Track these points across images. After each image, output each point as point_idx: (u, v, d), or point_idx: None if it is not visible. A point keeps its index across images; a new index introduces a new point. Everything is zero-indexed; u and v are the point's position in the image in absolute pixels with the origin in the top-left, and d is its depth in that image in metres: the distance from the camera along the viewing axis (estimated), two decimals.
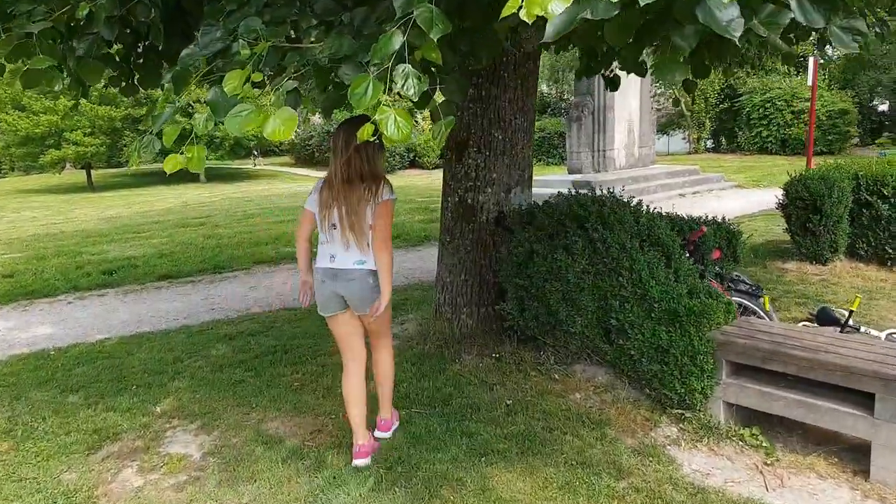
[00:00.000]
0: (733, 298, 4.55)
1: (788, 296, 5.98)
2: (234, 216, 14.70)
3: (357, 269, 3.24)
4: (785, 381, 3.30)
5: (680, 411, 3.56)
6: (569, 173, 14.79)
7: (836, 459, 3.11)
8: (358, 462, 3.30)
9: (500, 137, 4.74)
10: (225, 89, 1.95)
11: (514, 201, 4.83)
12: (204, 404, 4.13)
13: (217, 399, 4.20)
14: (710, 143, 26.62)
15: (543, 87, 30.63)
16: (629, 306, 3.65)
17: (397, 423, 3.67)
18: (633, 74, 3.18)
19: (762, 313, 4.53)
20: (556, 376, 4.11)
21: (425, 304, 5.74)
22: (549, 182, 14.67)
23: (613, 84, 5.14)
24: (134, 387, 4.55)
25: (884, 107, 25.34)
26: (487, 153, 4.74)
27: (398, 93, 1.90)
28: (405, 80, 1.88)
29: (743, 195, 14.12)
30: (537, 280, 4.08)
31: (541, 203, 4.61)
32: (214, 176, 34.50)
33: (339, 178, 3.24)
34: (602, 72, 5.05)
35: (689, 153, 25.80)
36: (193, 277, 8.65)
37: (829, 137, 21.33)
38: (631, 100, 14.54)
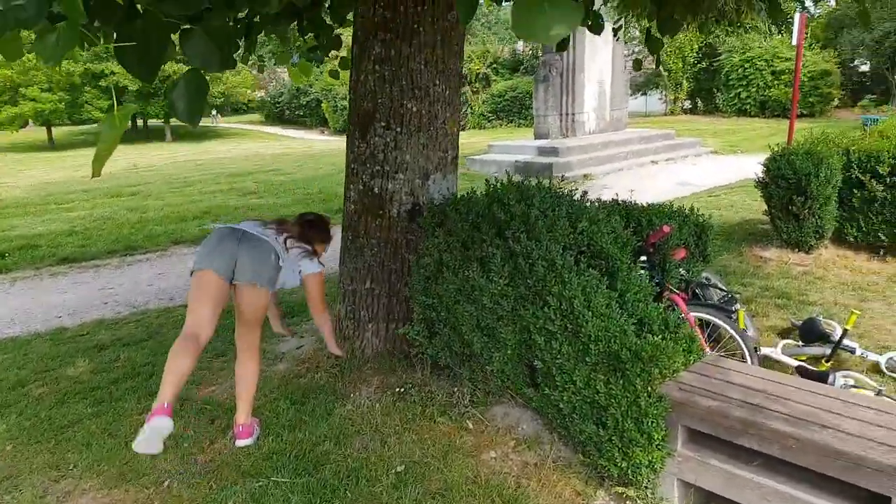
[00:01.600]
0: (698, 314, 3.66)
1: (767, 295, 5.10)
2: (173, 183, 13.52)
3: (266, 238, 3.06)
4: (764, 458, 2.40)
5: (621, 489, 2.67)
6: (535, 138, 13.76)
7: None
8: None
9: (414, 109, 3.71)
10: None
11: (434, 191, 3.83)
12: (10, 462, 3.16)
13: (31, 454, 3.23)
14: (687, 105, 25.61)
15: (520, 44, 29.22)
16: (557, 345, 2.72)
17: (259, 431, 3.26)
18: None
19: (735, 334, 3.62)
20: (470, 423, 3.19)
21: None
22: (512, 148, 13.69)
23: (561, 42, 4.12)
24: None
25: (865, 67, 24.38)
26: (399, 129, 3.72)
27: None
28: None
29: (720, 162, 13.23)
30: (447, 300, 3.13)
31: (499, 177, 3.57)
32: (182, 134, 33.02)
33: None
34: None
35: (666, 114, 24.84)
36: (99, 261, 7.60)
37: (811, 100, 20.41)
38: (602, 59, 13.44)
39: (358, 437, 3.17)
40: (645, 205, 4.21)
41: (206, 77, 1.45)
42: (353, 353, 3.88)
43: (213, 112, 35.13)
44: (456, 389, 3.42)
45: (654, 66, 24.44)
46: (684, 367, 2.69)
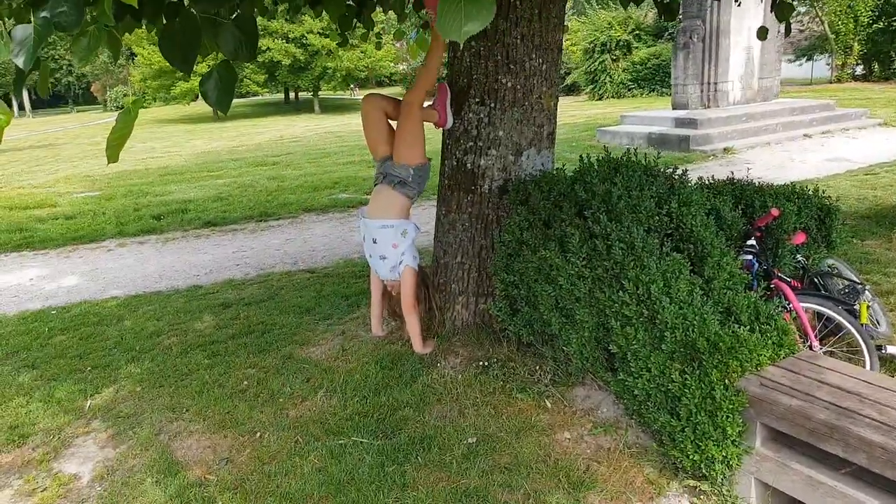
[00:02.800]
0: (809, 305, 3.35)
1: None
2: (312, 154, 14.30)
3: None
4: (857, 467, 2.20)
5: (694, 482, 2.56)
6: (673, 108, 13.05)
7: None
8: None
9: (508, 85, 3.67)
10: None
11: (527, 167, 3.79)
12: (137, 402, 3.59)
13: (155, 396, 3.64)
14: (859, 70, 23.04)
15: None
16: (632, 330, 2.62)
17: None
18: None
19: (852, 328, 3.28)
20: (548, 403, 3.17)
21: None
22: (647, 119, 13.09)
23: (669, 11, 3.87)
24: (89, 368, 4.10)
25: None
26: (492, 104, 3.70)
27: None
28: None
29: (887, 136, 11.83)
30: (527, 278, 3.11)
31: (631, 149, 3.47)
32: (329, 107, 34.80)
33: None
34: None
35: (832, 81, 22.52)
36: (237, 225, 8.27)
37: None
38: (751, 22, 12.39)
39: (437, 406, 3.26)
40: (761, 184, 3.90)
41: (235, 68, 1.54)
42: (444, 323, 3.97)
43: (352, 86, 36.46)
44: (538, 368, 3.41)
45: (819, 28, 22.17)
46: (771, 362, 2.50)
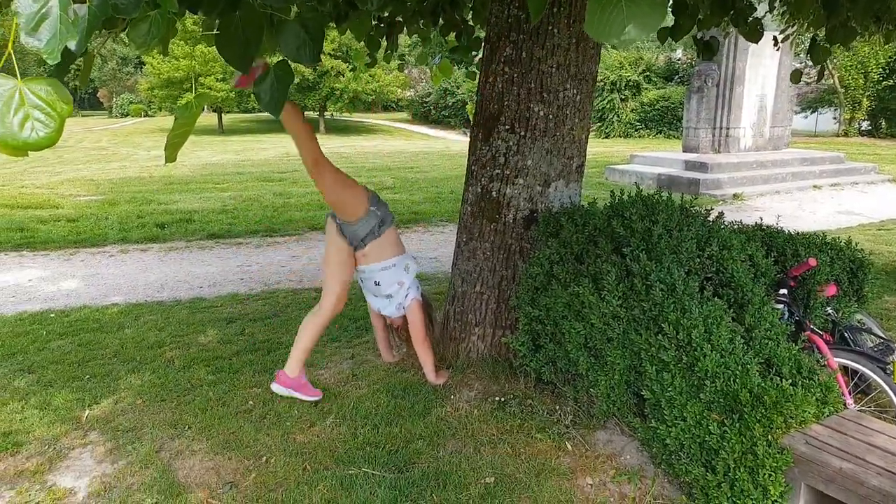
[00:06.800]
0: (842, 360, 3.23)
1: None
2: None
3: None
4: None
5: None
6: (683, 151, 13.06)
7: None
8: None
9: (541, 113, 3.60)
10: None
11: (555, 199, 3.70)
12: (138, 415, 3.43)
13: (156, 410, 3.48)
14: (866, 125, 23.23)
15: (678, 52, 27.93)
16: (669, 376, 2.50)
17: (306, 397, 3.49)
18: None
19: (887, 388, 3.17)
20: (569, 445, 3.03)
21: None
22: (656, 160, 13.09)
23: (709, 49, 3.83)
24: (88, 376, 3.94)
25: None
26: (522, 133, 3.62)
27: None
28: None
29: None
30: (554, 314, 2.99)
31: (635, 189, 3.40)
32: (334, 128, 34.90)
33: None
34: (695, 34, 3.78)
35: (839, 135, 22.69)
36: (242, 239, 8.14)
37: None
38: (766, 71, 12.48)
39: (452, 441, 3.11)
40: (793, 233, 3.81)
41: (292, 69, 1.45)
42: (458, 355, 3.84)
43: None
44: (558, 407, 3.27)
45: (827, 82, 22.40)
46: (816, 420, 2.38)
